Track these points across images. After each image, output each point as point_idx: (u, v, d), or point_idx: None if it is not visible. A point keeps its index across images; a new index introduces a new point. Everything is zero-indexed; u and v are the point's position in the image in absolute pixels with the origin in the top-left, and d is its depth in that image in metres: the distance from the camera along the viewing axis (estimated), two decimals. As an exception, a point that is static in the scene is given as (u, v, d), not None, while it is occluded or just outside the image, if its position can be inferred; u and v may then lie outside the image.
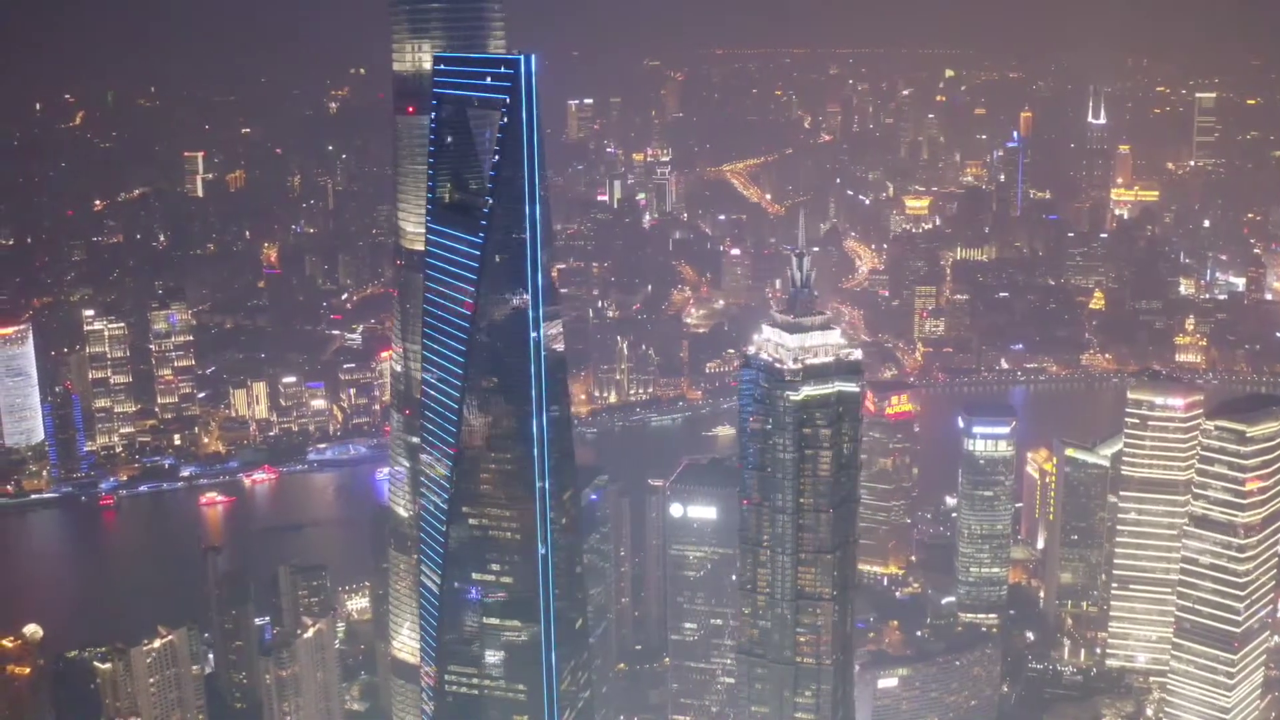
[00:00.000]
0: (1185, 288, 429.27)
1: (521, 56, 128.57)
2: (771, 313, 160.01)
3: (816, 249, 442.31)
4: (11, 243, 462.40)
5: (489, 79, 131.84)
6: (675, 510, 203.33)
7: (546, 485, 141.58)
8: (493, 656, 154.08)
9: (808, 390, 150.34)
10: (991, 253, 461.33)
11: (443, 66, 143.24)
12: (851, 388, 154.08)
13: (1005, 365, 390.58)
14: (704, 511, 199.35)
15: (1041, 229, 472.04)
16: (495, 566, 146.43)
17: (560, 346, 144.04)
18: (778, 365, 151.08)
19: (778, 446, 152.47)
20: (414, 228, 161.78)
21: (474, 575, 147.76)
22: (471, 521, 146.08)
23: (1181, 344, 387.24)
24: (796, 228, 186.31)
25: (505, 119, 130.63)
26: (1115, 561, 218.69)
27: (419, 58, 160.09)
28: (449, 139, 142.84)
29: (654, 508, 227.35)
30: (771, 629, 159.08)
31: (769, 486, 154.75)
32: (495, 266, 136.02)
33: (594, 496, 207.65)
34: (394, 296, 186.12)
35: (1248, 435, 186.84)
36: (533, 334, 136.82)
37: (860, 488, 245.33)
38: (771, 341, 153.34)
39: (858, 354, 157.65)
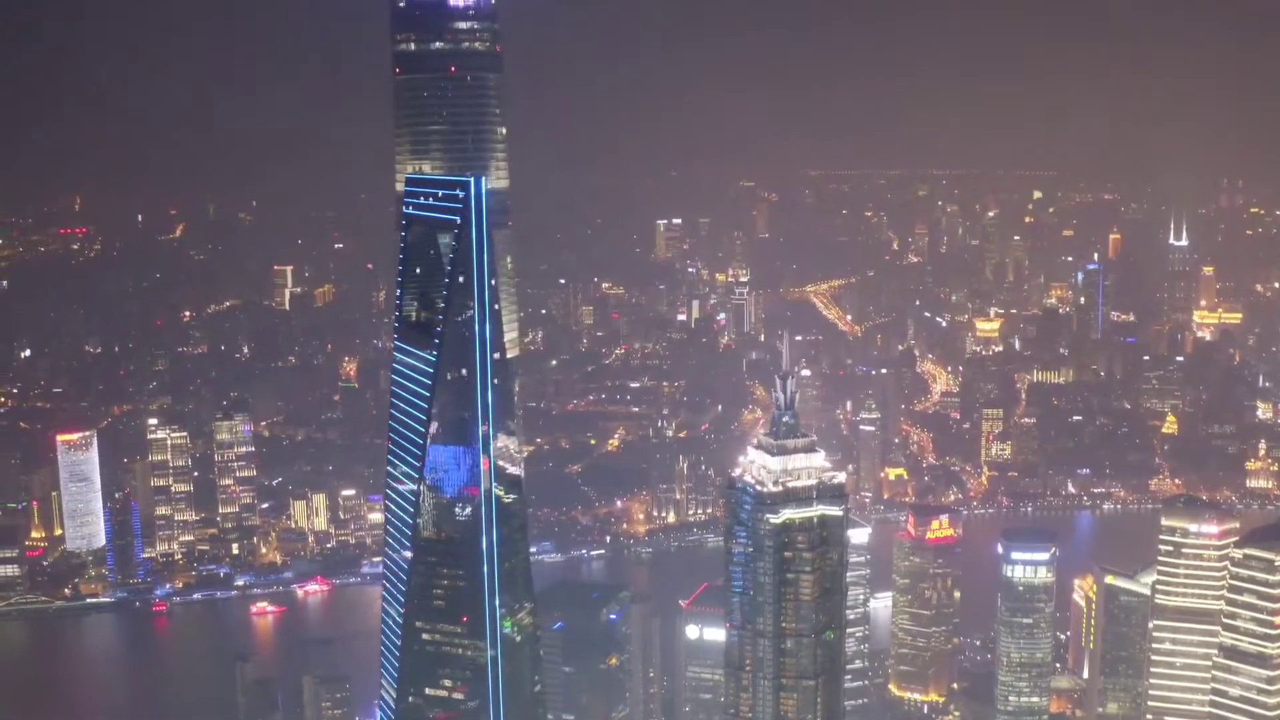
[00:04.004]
0: (1262, 412, 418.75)
1: (471, 178, 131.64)
2: (758, 435, 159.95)
3: (886, 370, 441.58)
4: (99, 350, 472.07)
5: (438, 199, 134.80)
6: (691, 632, 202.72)
7: (497, 602, 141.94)
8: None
9: (788, 513, 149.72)
10: (1069, 375, 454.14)
11: (409, 188, 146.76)
12: (835, 511, 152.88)
13: (1072, 489, 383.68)
14: (718, 634, 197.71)
15: (1120, 352, 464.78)
16: (448, 682, 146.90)
17: (518, 468, 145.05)
18: (759, 487, 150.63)
19: (759, 570, 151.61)
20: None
21: (427, 690, 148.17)
22: (425, 636, 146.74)
23: (1253, 469, 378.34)
24: (788, 355, 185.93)
25: (456, 238, 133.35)
26: (1150, 693, 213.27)
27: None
28: (413, 259, 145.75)
29: (680, 628, 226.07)
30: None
31: (751, 610, 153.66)
32: (447, 384, 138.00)
33: (614, 616, 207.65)
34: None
35: (1278, 564, 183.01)
36: (482, 455, 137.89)
37: (905, 614, 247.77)
38: (755, 463, 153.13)
39: (841, 477, 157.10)
